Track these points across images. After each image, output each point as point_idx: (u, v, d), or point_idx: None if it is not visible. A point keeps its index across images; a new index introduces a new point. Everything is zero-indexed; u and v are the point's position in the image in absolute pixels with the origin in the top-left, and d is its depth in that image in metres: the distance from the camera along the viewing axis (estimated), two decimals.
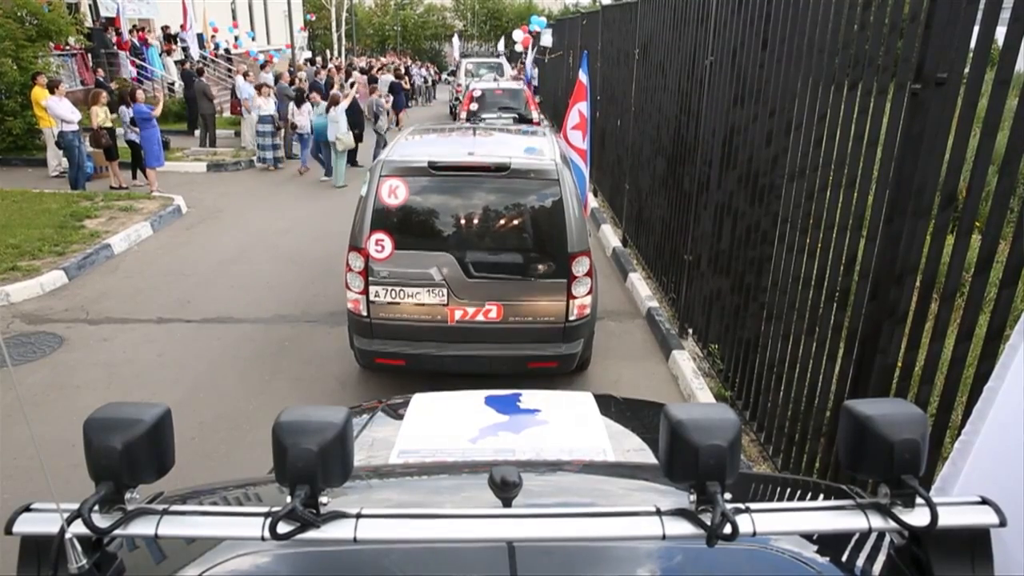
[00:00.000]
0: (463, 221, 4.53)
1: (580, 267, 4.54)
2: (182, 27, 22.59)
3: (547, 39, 19.55)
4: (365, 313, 4.57)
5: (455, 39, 34.52)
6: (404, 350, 4.60)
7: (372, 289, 4.54)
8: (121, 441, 0.90)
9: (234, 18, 34.52)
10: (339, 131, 11.34)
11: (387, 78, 17.83)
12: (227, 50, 28.73)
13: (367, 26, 51.11)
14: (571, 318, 4.61)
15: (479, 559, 1.06)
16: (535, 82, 26.69)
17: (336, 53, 34.30)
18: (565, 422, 2.14)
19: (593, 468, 1.73)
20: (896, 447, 0.90)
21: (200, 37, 23.54)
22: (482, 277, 4.51)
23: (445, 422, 2.18)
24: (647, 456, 1.97)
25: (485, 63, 22.75)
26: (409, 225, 4.51)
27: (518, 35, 20.46)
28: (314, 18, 40.49)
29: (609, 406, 2.33)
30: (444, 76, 36.67)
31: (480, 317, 4.56)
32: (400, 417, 2.17)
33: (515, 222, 4.56)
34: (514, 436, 2.01)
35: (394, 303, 4.55)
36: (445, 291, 4.53)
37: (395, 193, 4.46)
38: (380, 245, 4.48)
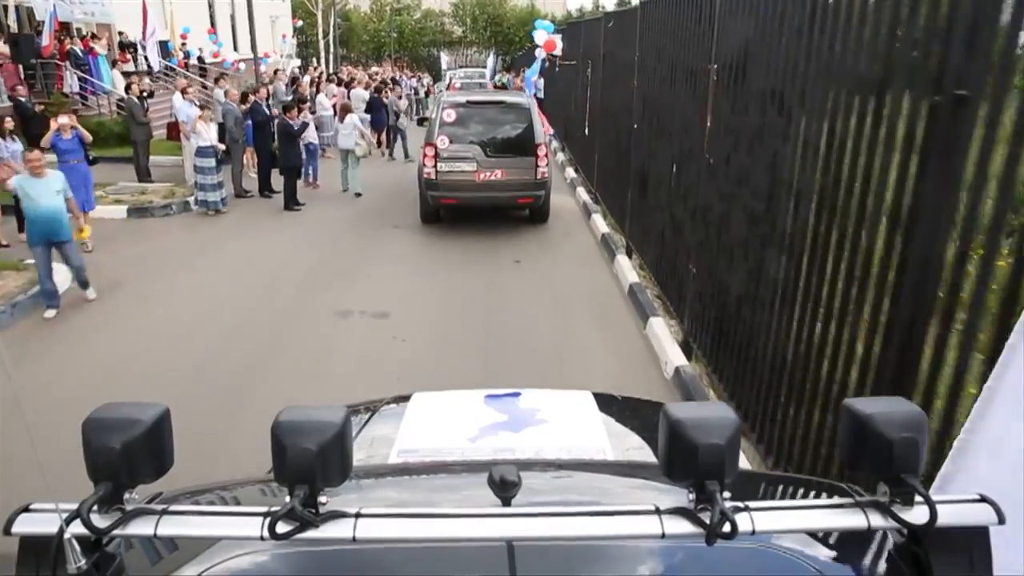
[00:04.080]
0: (484, 129, 9.23)
1: (541, 151, 9.12)
2: (143, 34, 20.00)
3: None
4: (435, 177, 9.06)
5: (442, 54, 33.01)
6: (454, 194, 9.18)
7: (439, 164, 9.02)
8: (120, 441, 0.90)
9: (212, 24, 32.20)
10: (353, 138, 11.71)
11: (360, 92, 15.06)
12: (200, 59, 26.19)
13: (362, 32, 48.86)
14: (537, 178, 9.19)
15: (478, 558, 1.05)
16: (540, 93, 23.98)
17: (320, 61, 31.65)
18: (565, 421, 2.14)
19: (592, 467, 1.71)
20: (895, 445, 0.90)
21: (164, 45, 20.92)
22: (493, 157, 9.13)
23: (444, 421, 2.19)
24: (647, 455, 1.93)
25: (468, 72, 30.79)
26: (457, 130, 9.12)
27: (540, 36, 17.30)
28: (299, 23, 37.91)
29: (609, 405, 2.33)
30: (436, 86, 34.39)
31: (492, 177, 9.10)
32: (399, 416, 2.15)
33: (509, 129, 9.29)
34: (513, 435, 2.00)
35: (450, 171, 9.07)
36: (475, 163, 9.09)
37: (450, 114, 9.18)
38: (443, 141, 9.04)
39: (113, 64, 17.63)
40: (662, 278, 6.66)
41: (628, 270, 7.44)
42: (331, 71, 26.07)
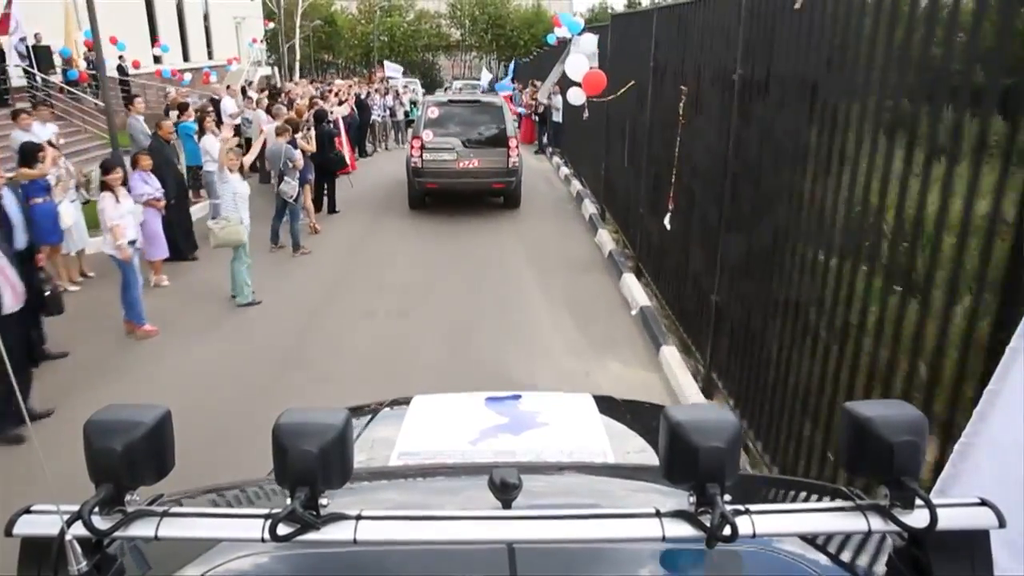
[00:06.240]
0: (462, 124, 11.01)
1: (512, 143, 10.94)
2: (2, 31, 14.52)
3: (582, 52, 10.55)
4: (420, 165, 10.75)
5: (386, 63, 24.42)
6: (436, 180, 10.84)
7: (424, 154, 10.70)
8: (121, 443, 0.90)
9: (152, 25, 26.62)
10: (221, 211, 6.87)
11: (271, 136, 8.94)
12: (121, 68, 20.37)
13: (349, 36, 43.47)
14: (509, 166, 10.94)
15: (479, 561, 1.05)
16: (557, 116, 17.88)
17: (283, 72, 25.76)
18: (565, 424, 2.13)
19: (593, 470, 1.72)
20: (896, 448, 0.90)
21: (33, 50, 15.17)
22: (471, 147, 10.86)
23: (445, 424, 2.18)
24: (647, 458, 1.93)
25: (460, 84, 30.04)
26: (440, 125, 10.92)
27: (575, 66, 10.01)
28: (271, 26, 32.20)
29: (609, 408, 2.33)
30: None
31: (470, 165, 10.82)
32: (400, 419, 2.14)
33: (484, 124, 11.12)
34: (514, 438, 1.99)
35: (433, 160, 10.74)
36: (455, 153, 10.79)
37: (434, 112, 11.09)
38: (428, 134, 10.77)
39: None
40: None
41: None
42: (277, 88, 18.80)
